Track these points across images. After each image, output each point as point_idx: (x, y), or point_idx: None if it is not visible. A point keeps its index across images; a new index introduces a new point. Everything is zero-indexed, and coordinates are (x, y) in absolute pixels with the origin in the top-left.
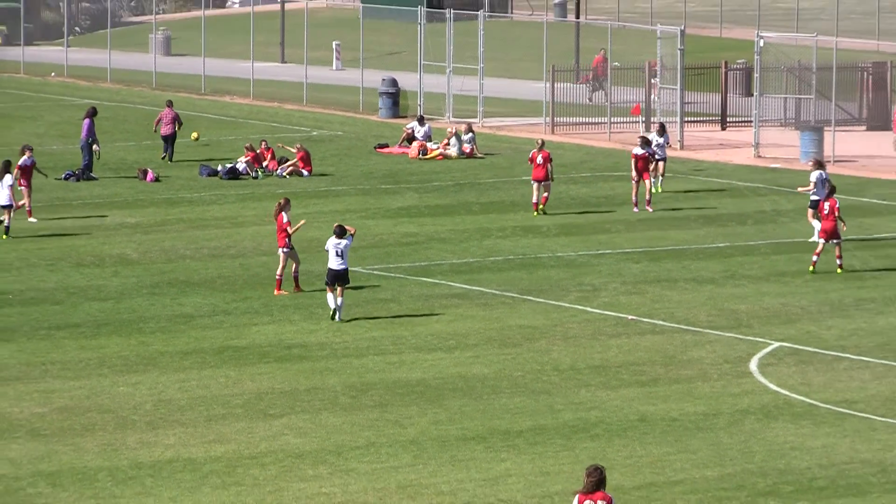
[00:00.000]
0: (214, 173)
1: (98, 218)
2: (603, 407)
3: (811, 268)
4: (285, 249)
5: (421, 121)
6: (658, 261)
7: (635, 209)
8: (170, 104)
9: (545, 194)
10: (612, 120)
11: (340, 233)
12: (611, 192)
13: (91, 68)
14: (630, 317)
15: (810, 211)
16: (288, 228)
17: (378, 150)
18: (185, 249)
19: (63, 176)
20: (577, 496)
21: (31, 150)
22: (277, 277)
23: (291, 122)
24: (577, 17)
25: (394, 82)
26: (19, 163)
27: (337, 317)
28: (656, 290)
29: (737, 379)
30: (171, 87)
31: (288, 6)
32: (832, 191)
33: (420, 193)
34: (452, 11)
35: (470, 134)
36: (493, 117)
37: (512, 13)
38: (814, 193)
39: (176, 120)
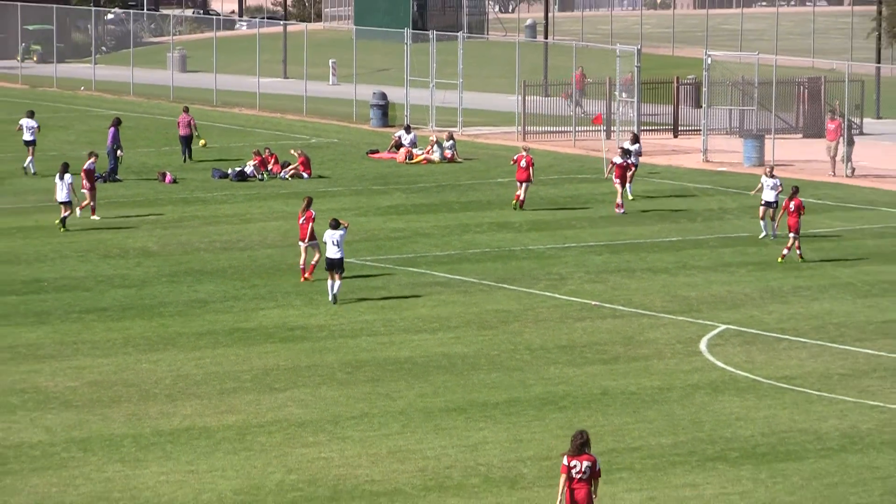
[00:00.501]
0: (225, 176)
1: (146, 217)
2: (570, 382)
3: (780, 259)
4: (310, 242)
5: (408, 129)
6: (618, 253)
7: (619, 210)
8: (186, 109)
9: (521, 195)
10: (577, 129)
11: (335, 225)
12: (575, 192)
13: (116, 83)
14: (593, 302)
15: (761, 209)
16: (306, 223)
17: (370, 155)
18: (200, 243)
19: None
20: (564, 457)
21: (95, 156)
22: (301, 267)
23: (293, 131)
24: (546, 37)
25: (383, 95)
26: (84, 167)
27: (332, 293)
28: (616, 279)
29: (688, 357)
30: (186, 99)
31: (289, 28)
32: (796, 191)
33: (407, 193)
34: (435, 33)
35: (451, 141)
36: (471, 126)
37: (488, 34)
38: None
39: (191, 124)
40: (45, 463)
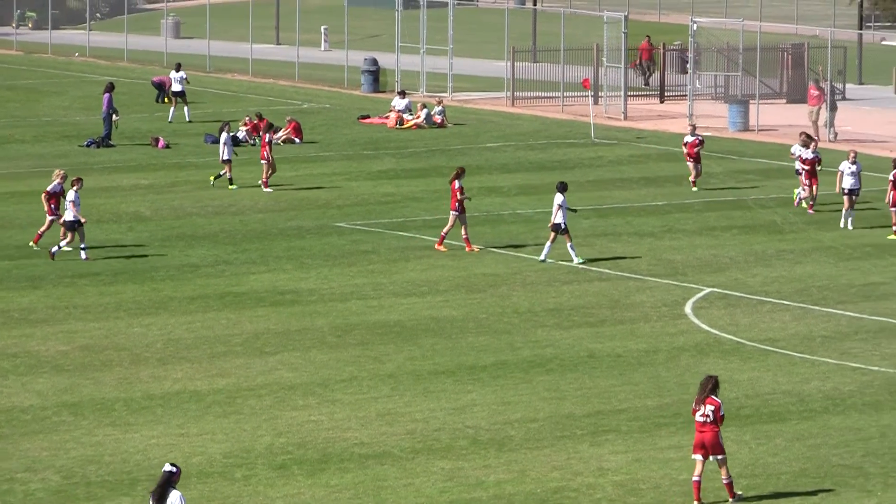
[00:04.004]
0: (217, 141)
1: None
2: (557, 345)
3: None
4: (454, 212)
5: (402, 94)
6: (605, 217)
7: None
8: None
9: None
10: (565, 94)
11: None
12: (563, 157)
13: (110, 49)
14: (580, 265)
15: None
16: (458, 194)
17: (361, 120)
18: (192, 207)
19: (85, 143)
20: (694, 402)
21: (275, 129)
22: (442, 235)
23: (285, 97)
24: (535, 4)
25: (374, 62)
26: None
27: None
28: (603, 243)
29: (673, 320)
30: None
31: None
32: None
33: (397, 158)
34: (426, 0)
35: (440, 107)
36: (460, 92)
37: (478, 2)
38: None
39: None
40: (36, 427)
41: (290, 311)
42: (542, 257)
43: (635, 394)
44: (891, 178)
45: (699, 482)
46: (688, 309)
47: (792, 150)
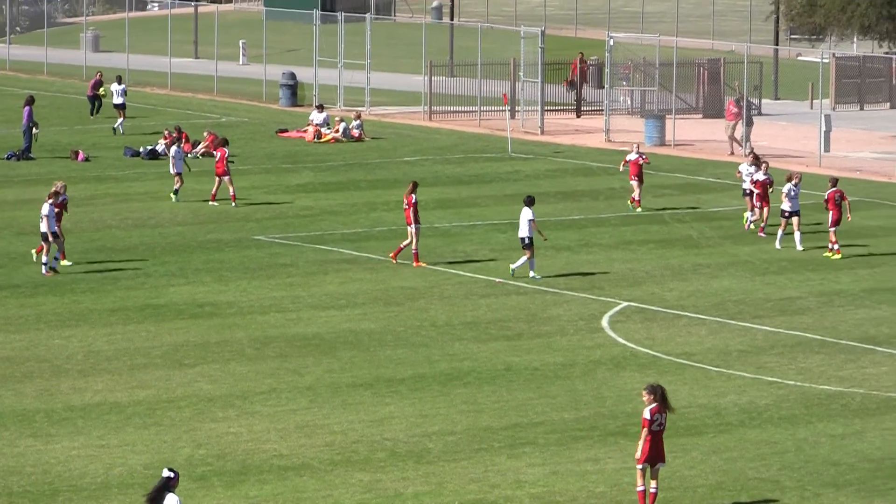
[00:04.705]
0: (137, 154)
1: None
2: (474, 358)
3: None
4: (415, 225)
5: (320, 108)
6: None
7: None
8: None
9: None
10: (482, 108)
11: None
12: (481, 171)
13: (30, 62)
14: (497, 279)
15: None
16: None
17: (279, 134)
18: (112, 220)
19: (6, 156)
20: (647, 411)
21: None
22: (414, 252)
23: (204, 110)
24: (452, 19)
25: (292, 76)
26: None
27: None
28: (520, 256)
29: (590, 334)
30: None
31: (200, 9)
32: (835, 182)
33: (315, 172)
34: (343, 14)
35: (358, 121)
36: (378, 106)
37: (395, 16)
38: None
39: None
40: None
41: (210, 323)
42: (532, 274)
43: (552, 407)
44: (826, 196)
45: (644, 491)
46: (604, 323)
47: (739, 168)
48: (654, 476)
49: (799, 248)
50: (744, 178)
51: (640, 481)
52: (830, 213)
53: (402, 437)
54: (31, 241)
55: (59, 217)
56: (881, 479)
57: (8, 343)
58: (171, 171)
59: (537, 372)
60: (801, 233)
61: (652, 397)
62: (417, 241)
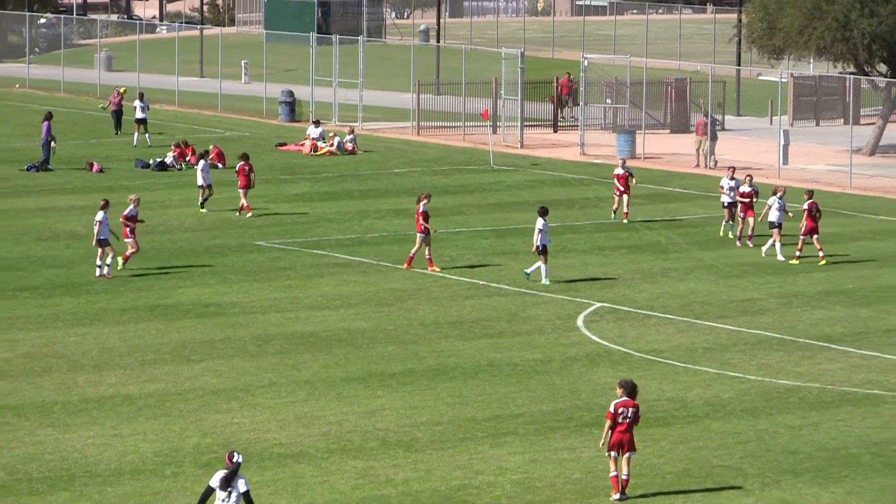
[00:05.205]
0: (147, 166)
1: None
2: (459, 354)
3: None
4: (421, 234)
5: (317, 123)
6: (503, 237)
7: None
8: (117, 90)
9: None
10: (466, 124)
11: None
12: (465, 181)
13: (48, 81)
14: (481, 282)
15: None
16: (423, 219)
17: (278, 147)
18: None
19: (26, 167)
20: (612, 404)
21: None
22: (419, 257)
23: (208, 125)
24: (438, 41)
25: (291, 93)
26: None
27: None
28: (502, 261)
29: (566, 332)
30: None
31: (206, 32)
32: (811, 194)
33: (312, 182)
34: (338, 37)
35: (351, 135)
36: (370, 121)
37: (385, 38)
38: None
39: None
40: None
41: (215, 322)
42: (543, 280)
43: (531, 399)
44: (804, 207)
45: (617, 476)
46: (580, 322)
47: (721, 183)
48: (627, 464)
49: (780, 258)
50: (725, 191)
51: (612, 467)
52: (806, 222)
53: (392, 428)
54: (49, 245)
55: (132, 230)
56: (836, 467)
57: (28, 340)
58: (199, 183)
59: (517, 367)
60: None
61: (622, 391)
62: (428, 247)
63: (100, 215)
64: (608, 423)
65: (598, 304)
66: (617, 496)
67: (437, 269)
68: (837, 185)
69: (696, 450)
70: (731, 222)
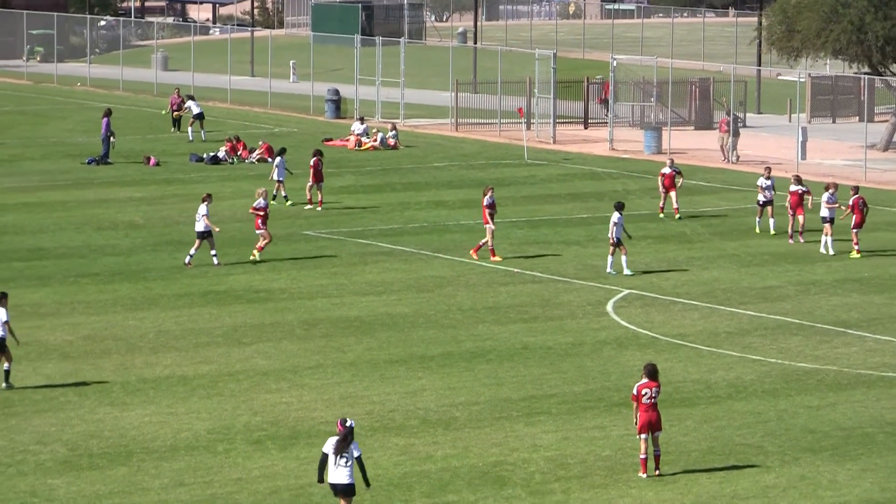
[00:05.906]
0: (200, 160)
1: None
2: (495, 338)
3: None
4: (488, 225)
5: (361, 120)
6: (536, 228)
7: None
8: (177, 91)
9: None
10: (502, 121)
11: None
12: (501, 175)
13: (107, 80)
14: (515, 270)
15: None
16: (489, 210)
17: (325, 142)
18: (179, 217)
19: (87, 161)
20: (636, 386)
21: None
22: (489, 247)
23: (259, 122)
24: (475, 43)
25: (336, 92)
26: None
27: None
28: (535, 250)
29: (596, 317)
30: (167, 94)
31: (256, 34)
32: (856, 189)
33: (356, 176)
34: (381, 38)
35: (393, 131)
36: (411, 118)
37: (425, 40)
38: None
39: (182, 103)
40: (45, 406)
41: (264, 307)
42: (608, 270)
43: (564, 381)
44: (850, 203)
45: (646, 459)
46: (609, 308)
47: (758, 182)
48: (655, 442)
49: (831, 252)
50: (763, 189)
51: (642, 448)
52: (854, 216)
53: (432, 407)
54: (109, 235)
55: (264, 220)
56: (852, 445)
57: (89, 324)
58: (273, 178)
59: (551, 350)
60: (833, 238)
61: (645, 374)
62: (490, 237)
63: (202, 208)
64: (634, 404)
65: (627, 291)
66: (644, 475)
67: (499, 259)
68: (853, 179)
69: (719, 429)
70: (773, 219)
